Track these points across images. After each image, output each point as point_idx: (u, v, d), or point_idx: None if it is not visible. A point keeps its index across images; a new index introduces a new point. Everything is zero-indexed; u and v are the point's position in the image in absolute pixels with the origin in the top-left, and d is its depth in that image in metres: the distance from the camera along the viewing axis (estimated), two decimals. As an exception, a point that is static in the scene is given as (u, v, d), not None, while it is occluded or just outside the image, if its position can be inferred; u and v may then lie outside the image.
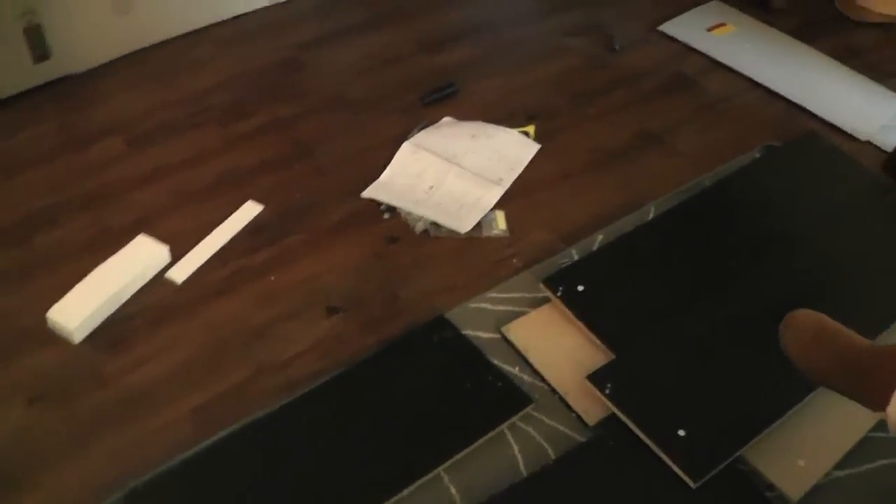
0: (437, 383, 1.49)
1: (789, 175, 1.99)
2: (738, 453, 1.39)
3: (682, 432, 1.39)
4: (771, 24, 2.60)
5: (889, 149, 2.10)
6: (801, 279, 1.70)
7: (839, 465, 1.41)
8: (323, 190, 1.90)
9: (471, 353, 1.53)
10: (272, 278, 1.70)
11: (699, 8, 2.65)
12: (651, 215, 1.85)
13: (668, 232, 1.80)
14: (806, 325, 1.47)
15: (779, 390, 1.47)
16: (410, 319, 1.61)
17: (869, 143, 2.14)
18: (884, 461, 1.42)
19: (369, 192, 1.89)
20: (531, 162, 2.00)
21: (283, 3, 2.55)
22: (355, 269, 1.72)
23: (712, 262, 1.73)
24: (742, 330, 1.57)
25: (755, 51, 2.46)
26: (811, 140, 2.12)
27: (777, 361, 1.48)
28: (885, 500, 1.37)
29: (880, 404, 1.24)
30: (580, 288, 1.63)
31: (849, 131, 2.17)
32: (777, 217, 1.88)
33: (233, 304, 1.65)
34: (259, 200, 1.86)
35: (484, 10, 2.63)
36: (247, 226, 1.81)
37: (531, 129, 2.09)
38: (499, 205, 1.87)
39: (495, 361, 1.52)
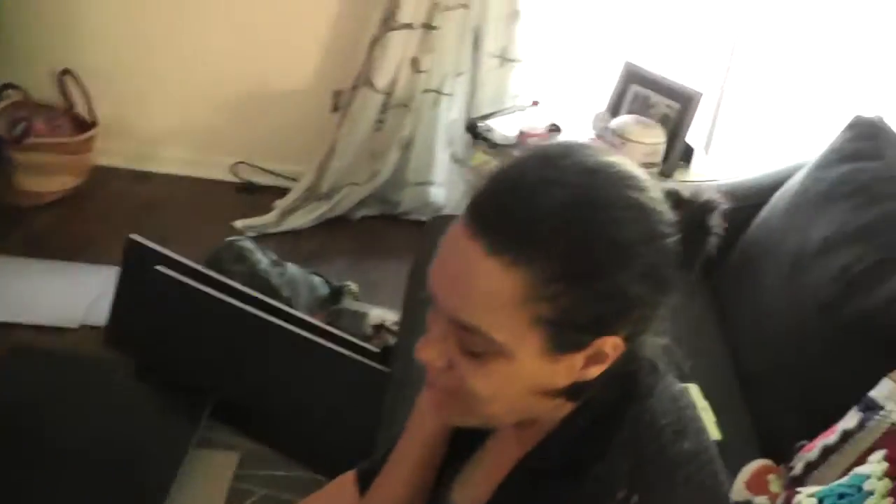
0: None
1: (15, 400, 1.87)
2: None
3: None
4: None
5: (104, 323, 2.11)
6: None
7: None
8: None
9: None
10: None
11: None
12: None
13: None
14: None
15: None
16: None
17: (85, 326, 2.11)
18: None
19: None
20: None
21: None
22: None
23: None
24: None
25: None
26: (35, 355, 2.04)
27: None
28: None
29: None
30: None
31: (60, 325, 2.12)
32: (29, 453, 1.75)
33: None
34: None
35: None
36: None
37: None
38: None
39: None
